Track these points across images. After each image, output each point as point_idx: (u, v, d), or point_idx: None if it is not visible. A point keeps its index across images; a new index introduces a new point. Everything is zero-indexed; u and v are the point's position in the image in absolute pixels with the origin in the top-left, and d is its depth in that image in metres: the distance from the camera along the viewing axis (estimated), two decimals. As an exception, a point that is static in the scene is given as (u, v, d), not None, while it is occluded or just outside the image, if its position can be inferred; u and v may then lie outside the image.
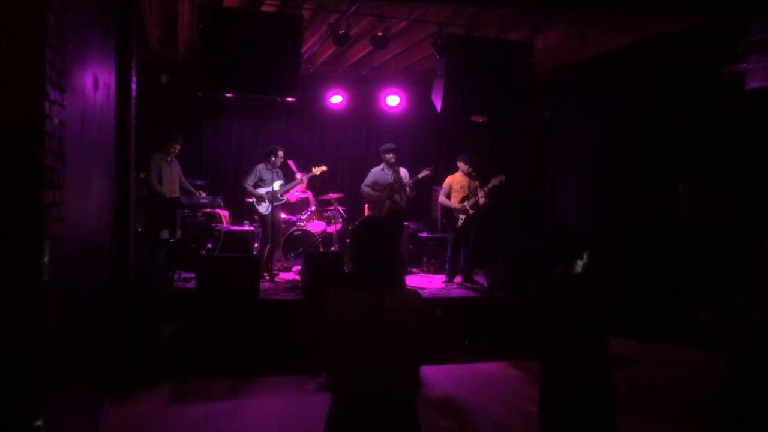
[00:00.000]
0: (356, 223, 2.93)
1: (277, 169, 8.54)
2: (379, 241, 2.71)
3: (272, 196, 8.35)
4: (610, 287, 3.31)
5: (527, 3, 6.83)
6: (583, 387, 3.16)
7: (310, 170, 8.84)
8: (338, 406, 2.64)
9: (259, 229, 8.79)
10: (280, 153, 8.51)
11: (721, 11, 6.31)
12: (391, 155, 8.18)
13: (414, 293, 2.77)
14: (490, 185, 8.21)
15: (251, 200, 8.70)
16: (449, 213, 8.44)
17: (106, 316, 5.19)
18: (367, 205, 8.97)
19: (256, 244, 8.72)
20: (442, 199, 8.52)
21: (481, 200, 8.22)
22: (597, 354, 3.21)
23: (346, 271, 7.37)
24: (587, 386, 3.16)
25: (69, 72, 3.09)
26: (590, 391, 3.16)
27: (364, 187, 8.35)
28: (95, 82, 4.18)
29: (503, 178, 8.19)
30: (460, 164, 8.43)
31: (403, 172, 8.27)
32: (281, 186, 8.45)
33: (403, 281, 2.85)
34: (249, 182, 8.38)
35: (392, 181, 8.18)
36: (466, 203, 8.27)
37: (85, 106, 3.76)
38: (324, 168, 8.95)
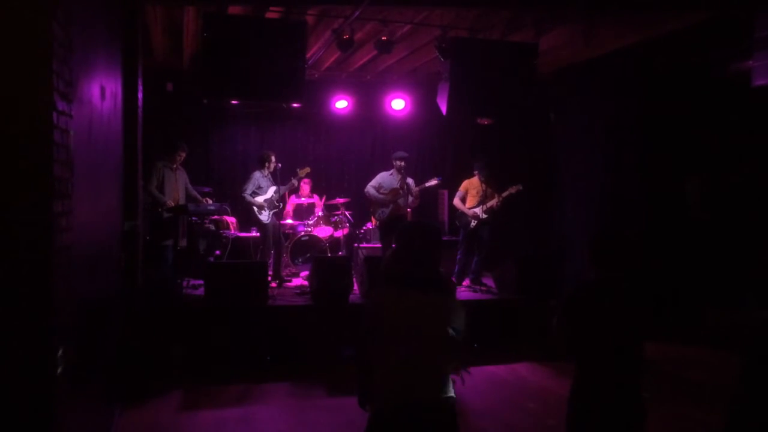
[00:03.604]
0: (405, 224, 3.01)
1: (270, 176, 8.53)
2: (427, 242, 2.79)
3: (270, 204, 8.37)
4: (648, 293, 3.25)
5: (530, 3, 6.82)
6: (616, 392, 3.12)
7: (296, 174, 8.82)
8: (378, 401, 2.75)
9: (256, 235, 8.77)
10: (273, 158, 8.50)
11: (726, 9, 6.30)
12: (402, 163, 8.24)
13: (453, 295, 2.82)
14: (506, 194, 8.26)
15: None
16: (462, 216, 8.49)
17: (116, 324, 5.21)
18: (370, 209, 8.97)
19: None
20: (456, 202, 8.61)
21: (495, 205, 8.28)
22: (631, 360, 3.17)
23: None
24: (621, 391, 3.13)
25: (76, 82, 3.12)
26: (623, 396, 3.13)
27: (370, 188, 8.39)
28: (102, 92, 4.20)
29: (520, 187, 8.24)
30: (476, 172, 8.50)
31: (410, 181, 8.35)
32: (276, 192, 8.44)
33: (445, 283, 2.90)
34: (248, 191, 8.35)
35: (398, 186, 8.22)
36: (479, 208, 8.34)
37: (93, 116, 3.78)
38: (307, 169, 8.96)
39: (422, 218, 10.31)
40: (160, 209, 7.65)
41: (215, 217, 8.72)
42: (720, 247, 7.91)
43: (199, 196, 8.30)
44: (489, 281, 8.45)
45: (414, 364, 2.68)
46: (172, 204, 7.74)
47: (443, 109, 7.35)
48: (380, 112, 10.49)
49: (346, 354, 6.68)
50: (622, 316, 3.14)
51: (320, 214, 9.39)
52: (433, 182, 8.50)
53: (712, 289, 7.77)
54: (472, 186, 8.53)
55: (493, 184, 8.46)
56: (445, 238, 9.79)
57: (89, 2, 3.76)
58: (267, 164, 8.47)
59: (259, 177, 8.45)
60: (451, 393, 2.76)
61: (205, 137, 10.17)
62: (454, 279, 8.58)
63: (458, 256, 8.66)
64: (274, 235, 8.49)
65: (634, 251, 3.27)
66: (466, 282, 8.52)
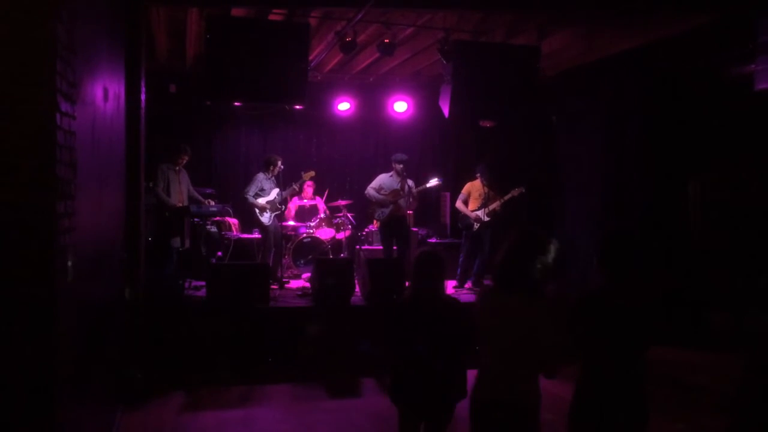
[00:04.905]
0: (519, 228, 3.16)
1: (274, 178, 8.54)
2: (532, 250, 2.96)
3: (272, 206, 8.38)
4: (654, 296, 3.25)
5: (533, 7, 6.83)
6: (620, 395, 3.12)
7: (300, 176, 8.82)
8: (473, 394, 3.01)
9: (258, 236, 8.79)
10: (279, 163, 8.51)
11: (728, 12, 6.29)
12: (402, 166, 8.23)
13: (549, 301, 2.95)
14: (509, 196, 8.28)
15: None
16: (465, 219, 8.50)
17: (118, 325, 5.22)
18: (369, 209, 8.98)
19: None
20: (459, 204, 8.63)
21: (498, 208, 8.29)
22: (637, 363, 3.16)
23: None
24: (624, 394, 3.12)
25: (79, 83, 3.13)
26: (626, 399, 3.12)
27: (370, 190, 8.39)
28: (105, 93, 4.22)
29: (523, 190, 8.26)
30: (479, 175, 8.51)
31: (410, 182, 8.34)
32: (279, 195, 8.45)
33: (542, 289, 3.02)
34: (251, 192, 8.37)
35: (398, 188, 8.23)
36: (482, 211, 8.34)
37: (96, 117, 3.79)
38: (312, 173, 8.97)
39: (424, 221, 10.32)
40: (166, 212, 7.67)
41: (217, 218, 8.74)
42: (723, 250, 7.90)
43: (201, 198, 8.32)
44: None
45: (505, 364, 2.86)
46: (180, 205, 7.78)
47: (445, 111, 7.35)
48: (383, 114, 10.50)
49: (362, 349, 6.69)
50: (629, 319, 3.14)
51: (322, 215, 9.40)
52: (433, 182, 8.50)
53: (715, 293, 7.76)
54: (474, 189, 8.55)
55: (495, 186, 8.47)
56: (447, 241, 9.80)
57: (93, 3, 3.77)
58: (272, 168, 8.49)
59: (262, 179, 8.47)
60: (536, 395, 2.92)
61: (208, 139, 10.21)
62: (456, 282, 8.58)
63: (460, 259, 8.66)
64: (275, 237, 8.51)
65: (642, 254, 3.27)
66: (468, 284, 8.53)
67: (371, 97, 10.45)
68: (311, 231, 9.17)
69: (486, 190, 8.42)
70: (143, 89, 6.11)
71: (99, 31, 4.04)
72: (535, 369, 2.89)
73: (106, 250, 4.45)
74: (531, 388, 2.89)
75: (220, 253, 8.69)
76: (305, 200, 9.71)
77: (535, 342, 2.80)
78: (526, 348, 2.81)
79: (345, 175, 10.89)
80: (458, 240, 9.08)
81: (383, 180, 8.37)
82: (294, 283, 8.53)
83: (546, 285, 3.01)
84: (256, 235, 8.86)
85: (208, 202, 8.30)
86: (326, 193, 9.77)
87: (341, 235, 9.35)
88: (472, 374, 3.60)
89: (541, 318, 2.84)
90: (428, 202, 10.55)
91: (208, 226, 8.59)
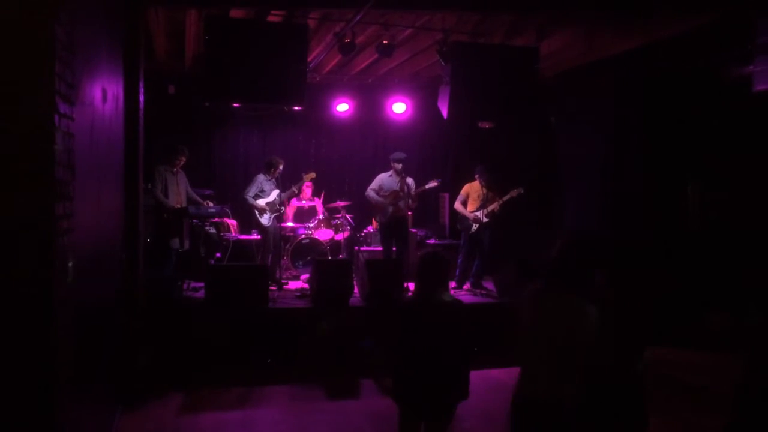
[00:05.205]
0: (567, 234, 3.21)
1: (274, 180, 8.53)
2: (584, 252, 3.01)
3: (272, 207, 8.37)
4: (654, 298, 3.26)
5: (532, 7, 6.83)
6: (619, 393, 3.12)
7: (300, 178, 8.81)
8: (515, 392, 3.05)
9: (257, 238, 8.78)
10: (281, 166, 8.51)
11: (727, 13, 6.30)
12: (401, 165, 8.22)
13: (588, 303, 2.95)
14: (507, 197, 8.27)
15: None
16: (464, 220, 8.50)
17: (117, 325, 5.22)
18: (371, 211, 8.98)
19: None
20: (457, 205, 8.62)
21: (496, 209, 8.29)
22: (635, 363, 3.16)
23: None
24: (623, 395, 3.13)
25: (78, 85, 3.12)
26: (625, 400, 3.13)
27: (370, 191, 8.38)
28: (104, 95, 4.21)
29: (521, 191, 8.25)
30: (477, 176, 8.50)
31: (410, 181, 8.32)
32: (279, 196, 8.44)
33: (589, 291, 3.05)
34: (250, 193, 8.36)
35: (398, 188, 8.22)
36: (480, 212, 8.33)
37: (94, 119, 3.79)
38: (313, 174, 8.95)
39: (423, 222, 10.32)
40: (165, 214, 7.66)
41: (216, 219, 8.73)
42: (722, 250, 7.90)
43: (199, 199, 8.31)
44: (489, 285, 8.45)
45: (550, 364, 2.89)
46: (178, 206, 7.77)
47: (444, 112, 7.34)
48: (381, 115, 10.50)
49: (364, 344, 6.69)
50: (629, 319, 3.14)
51: (321, 217, 9.39)
52: (432, 184, 8.50)
53: (715, 293, 7.75)
54: (473, 190, 8.54)
55: (494, 187, 8.46)
56: (446, 242, 9.79)
57: (92, 5, 3.77)
58: (273, 170, 8.49)
59: (263, 180, 8.46)
60: (577, 396, 2.94)
61: (207, 140, 10.19)
62: (455, 283, 8.57)
63: (459, 260, 8.66)
64: (274, 238, 8.50)
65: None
66: (467, 286, 8.52)
67: (370, 98, 10.45)
68: (310, 232, 9.17)
69: (485, 191, 8.42)
70: (142, 90, 6.11)
71: (98, 32, 4.03)
72: (579, 370, 2.90)
73: (105, 251, 4.44)
74: (573, 389, 2.91)
75: (218, 255, 8.68)
76: (304, 201, 9.70)
77: (581, 343, 2.81)
78: (572, 349, 2.84)
79: (344, 177, 10.88)
80: (457, 241, 9.08)
81: (383, 180, 8.36)
82: (293, 284, 8.53)
83: (593, 287, 3.05)
84: (255, 237, 8.85)
85: (207, 204, 8.29)
86: (323, 195, 9.74)
87: (340, 236, 9.34)
88: (474, 375, 3.63)
89: (588, 319, 2.87)
90: (427, 204, 10.54)
91: (207, 228, 8.57)
